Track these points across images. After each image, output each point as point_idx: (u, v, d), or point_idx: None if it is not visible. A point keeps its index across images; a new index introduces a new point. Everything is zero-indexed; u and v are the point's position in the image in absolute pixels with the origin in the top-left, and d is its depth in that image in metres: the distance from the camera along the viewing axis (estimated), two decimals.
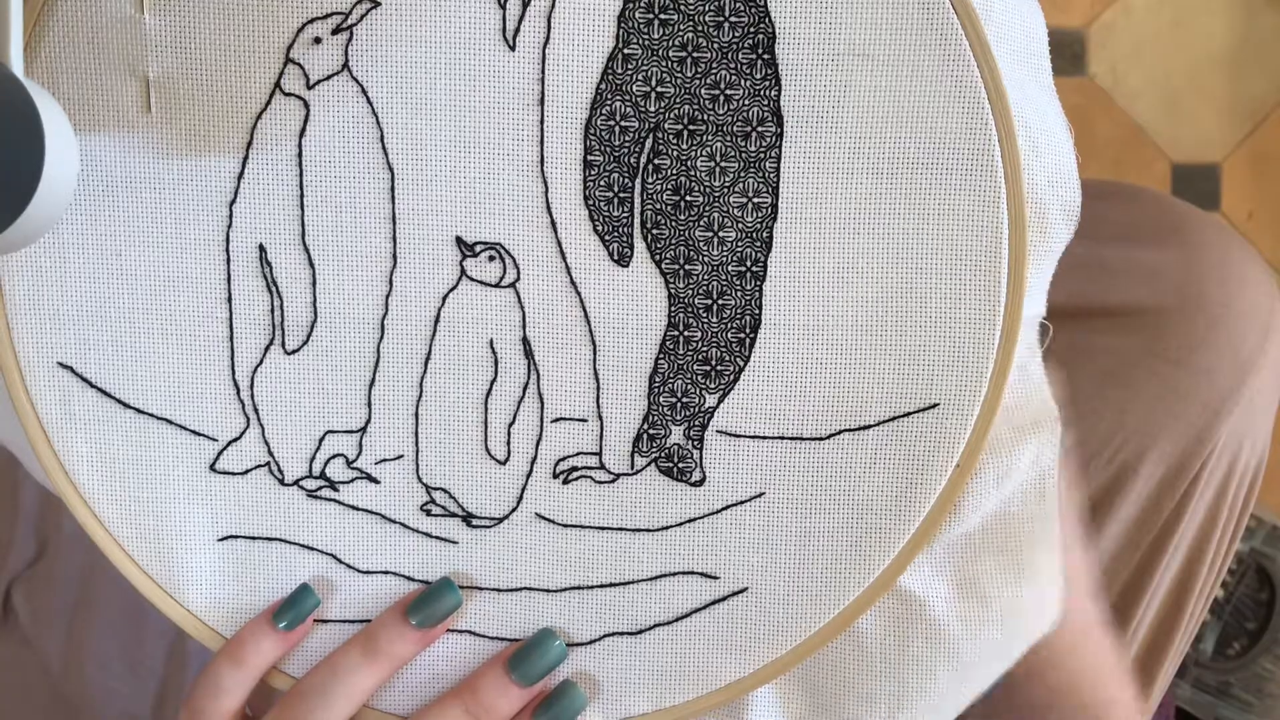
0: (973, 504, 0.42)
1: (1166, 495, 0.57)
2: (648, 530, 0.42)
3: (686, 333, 0.41)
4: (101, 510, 0.42)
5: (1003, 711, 0.48)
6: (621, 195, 0.40)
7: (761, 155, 0.40)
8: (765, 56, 0.39)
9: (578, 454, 0.42)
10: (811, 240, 0.40)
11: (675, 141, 0.40)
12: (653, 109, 0.40)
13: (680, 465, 0.42)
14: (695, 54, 0.39)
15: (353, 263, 0.41)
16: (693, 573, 0.42)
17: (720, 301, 0.41)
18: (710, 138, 0.40)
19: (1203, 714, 1.05)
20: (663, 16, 0.39)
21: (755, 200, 0.40)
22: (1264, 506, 1.06)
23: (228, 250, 0.41)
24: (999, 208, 0.40)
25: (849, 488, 0.42)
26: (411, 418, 0.42)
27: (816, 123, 0.40)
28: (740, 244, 0.40)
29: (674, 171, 0.40)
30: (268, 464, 0.42)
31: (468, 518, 0.42)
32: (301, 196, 0.40)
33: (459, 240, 0.41)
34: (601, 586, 0.42)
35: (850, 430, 0.41)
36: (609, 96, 0.40)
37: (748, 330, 0.41)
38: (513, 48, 0.39)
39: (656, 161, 0.40)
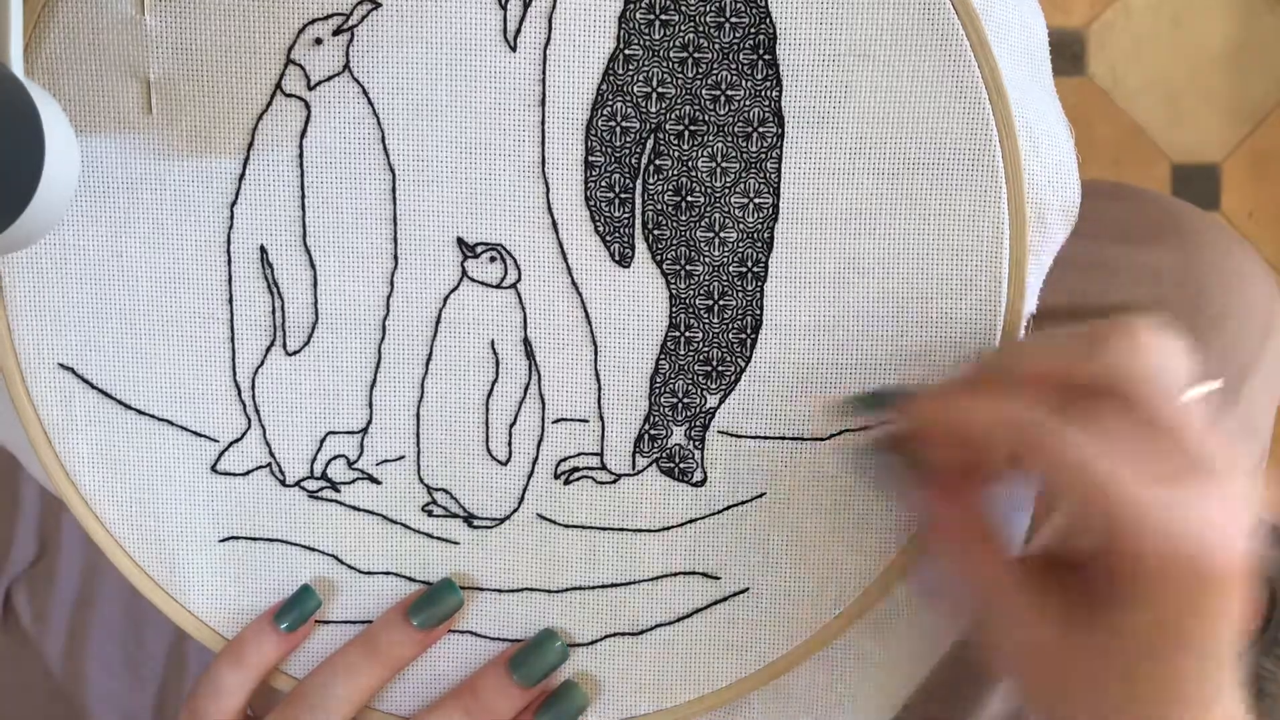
0: None
1: None
2: (649, 531, 0.42)
3: (688, 333, 0.41)
4: (102, 511, 0.42)
5: None
6: (622, 196, 0.40)
7: (762, 156, 0.40)
8: (766, 57, 0.39)
9: (579, 454, 0.42)
10: (812, 240, 0.40)
11: (676, 142, 0.40)
12: (654, 109, 0.40)
13: (681, 466, 0.42)
14: (696, 55, 0.39)
15: (354, 264, 0.41)
16: (694, 573, 0.42)
17: (721, 302, 0.41)
18: (711, 138, 0.40)
19: None
20: (664, 17, 0.39)
21: (756, 201, 0.40)
22: (1264, 506, 1.06)
23: (229, 251, 0.41)
24: (1000, 208, 0.40)
25: (850, 488, 0.42)
26: (413, 418, 0.42)
27: (818, 123, 0.40)
28: (741, 244, 0.40)
29: (675, 172, 0.40)
30: (269, 465, 0.42)
31: (469, 518, 0.42)
32: (303, 197, 0.40)
33: (460, 241, 0.41)
34: (603, 587, 0.43)
35: (852, 430, 0.41)
36: (610, 97, 0.40)
37: (749, 331, 0.41)
38: (514, 48, 0.39)
39: (658, 162, 0.40)
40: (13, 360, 0.41)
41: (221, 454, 0.42)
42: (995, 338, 0.41)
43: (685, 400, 0.42)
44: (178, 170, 0.40)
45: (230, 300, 0.41)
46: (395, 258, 0.41)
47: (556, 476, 0.42)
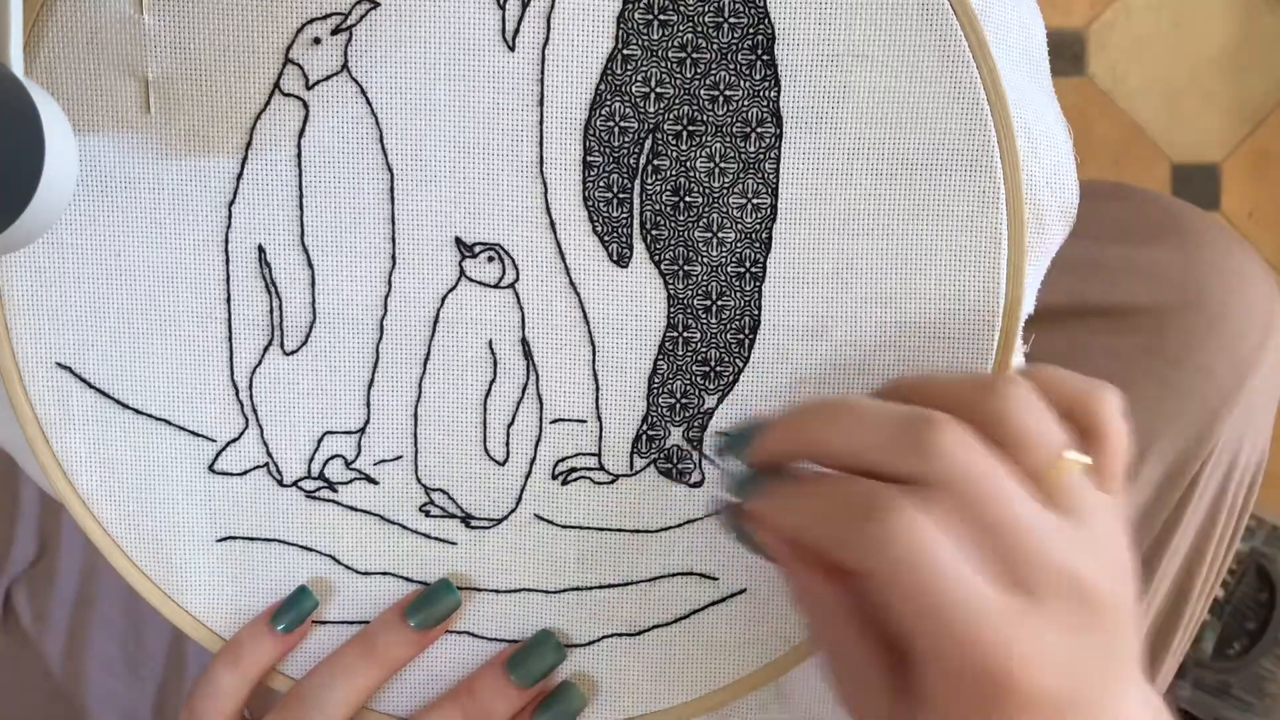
0: None
1: (1166, 495, 0.57)
2: (647, 531, 0.42)
3: (686, 334, 0.41)
4: (100, 511, 0.42)
5: None
6: (621, 196, 0.40)
7: (761, 156, 0.40)
8: (765, 57, 0.39)
9: (577, 455, 0.42)
10: (811, 241, 0.40)
11: (674, 142, 0.40)
12: (652, 110, 0.40)
13: (679, 466, 0.42)
14: (695, 55, 0.39)
15: (352, 263, 0.41)
16: (692, 574, 0.42)
17: (719, 302, 0.41)
18: (710, 138, 0.40)
19: (1203, 714, 1.05)
20: (662, 17, 0.39)
21: (754, 201, 0.40)
22: (1264, 506, 1.06)
23: (227, 251, 0.41)
24: (998, 208, 0.40)
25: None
26: (410, 418, 0.42)
27: (816, 123, 0.40)
28: (739, 245, 0.40)
29: (673, 172, 0.40)
30: (266, 465, 0.42)
31: (466, 519, 0.42)
32: (300, 197, 0.40)
33: (458, 241, 0.41)
34: (600, 587, 0.42)
35: None
36: (608, 97, 0.40)
37: (747, 331, 0.41)
38: (512, 48, 0.39)
39: (656, 162, 0.40)
40: (10, 359, 0.41)
41: (219, 454, 0.42)
42: (993, 338, 0.41)
43: (683, 401, 0.42)
44: (176, 169, 0.40)
45: (228, 300, 0.41)
46: (393, 257, 0.41)
47: (554, 477, 0.42)
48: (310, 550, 0.43)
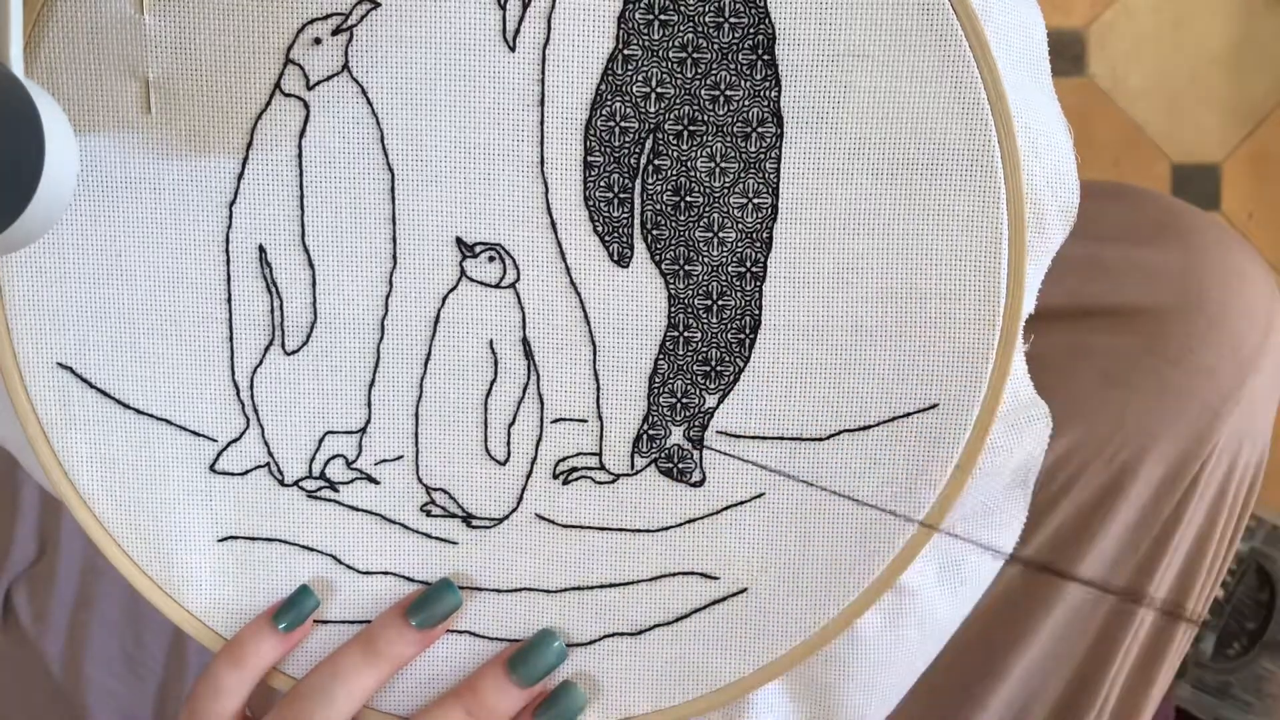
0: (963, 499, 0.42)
1: (1166, 495, 0.57)
2: (648, 531, 0.42)
3: (686, 333, 0.41)
4: (101, 511, 0.42)
5: None
6: (621, 196, 0.40)
7: (761, 156, 0.40)
8: (765, 57, 0.39)
9: (578, 454, 0.42)
10: (811, 241, 0.40)
11: (675, 142, 0.40)
12: (653, 110, 0.40)
13: (680, 466, 0.42)
14: (695, 55, 0.39)
15: (352, 263, 0.41)
16: (693, 573, 0.42)
17: (720, 302, 0.41)
18: (710, 138, 0.40)
19: (1203, 714, 1.05)
20: (663, 17, 0.39)
21: (755, 201, 0.40)
22: (1264, 506, 1.06)
23: (227, 251, 0.41)
24: (999, 208, 0.40)
25: (849, 488, 0.42)
26: (411, 418, 0.42)
27: (816, 123, 0.40)
28: (740, 244, 0.40)
29: (674, 172, 0.40)
30: (267, 464, 0.42)
31: (467, 518, 0.42)
32: (301, 197, 0.40)
33: (459, 241, 0.41)
34: (601, 587, 0.43)
35: (850, 430, 0.41)
36: (609, 97, 0.40)
37: (747, 331, 0.41)
38: (513, 48, 0.39)
39: (656, 162, 0.40)
40: (11, 359, 0.41)
41: (220, 453, 0.42)
42: (993, 338, 0.41)
43: (684, 400, 0.42)
44: (176, 169, 0.40)
45: (229, 300, 0.41)
46: (394, 257, 0.41)
47: (555, 476, 0.42)
48: (311, 550, 0.43)
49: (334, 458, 0.42)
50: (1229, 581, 1.05)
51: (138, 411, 0.42)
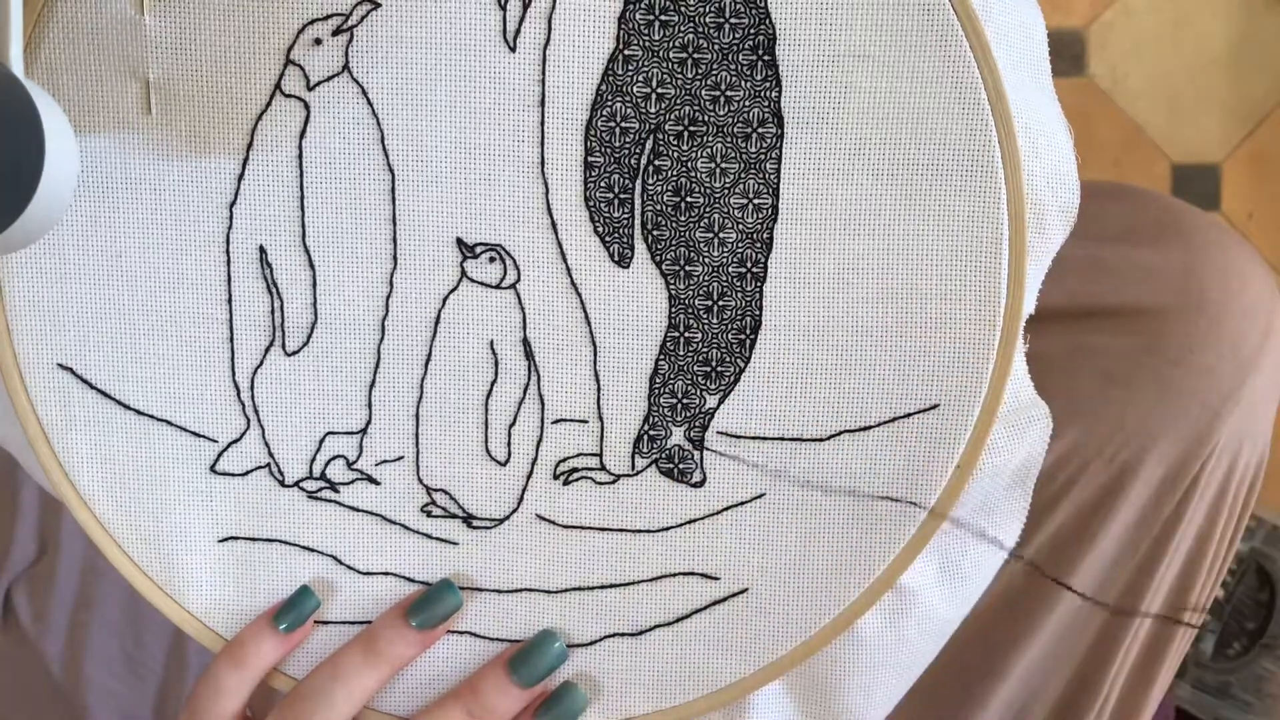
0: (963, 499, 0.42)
1: (1166, 495, 0.57)
2: (648, 531, 0.42)
3: (687, 334, 0.41)
4: (101, 511, 0.42)
5: None
6: (622, 196, 0.40)
7: (762, 156, 0.40)
8: (766, 58, 0.39)
9: (578, 455, 0.42)
10: (812, 241, 0.40)
11: (676, 143, 0.40)
12: (653, 110, 0.40)
13: (681, 466, 0.42)
14: (696, 55, 0.39)
15: (353, 264, 0.41)
16: (693, 573, 0.42)
17: (721, 303, 0.41)
18: (711, 139, 0.40)
19: (1203, 714, 1.05)
20: (663, 18, 0.39)
21: (755, 201, 0.40)
22: (1264, 506, 1.06)
23: (228, 251, 0.41)
24: (999, 209, 0.40)
25: (849, 488, 0.42)
26: (412, 419, 0.42)
27: (817, 124, 0.40)
28: (740, 245, 0.40)
29: (674, 173, 0.40)
30: (268, 465, 0.42)
31: (468, 519, 0.42)
32: (302, 198, 0.40)
33: (459, 241, 0.41)
34: (602, 587, 0.43)
35: (851, 431, 0.41)
36: (609, 98, 0.40)
37: (748, 331, 0.41)
38: (513, 49, 0.39)
39: (657, 163, 0.40)
40: (11, 360, 0.41)
41: (220, 454, 0.42)
42: (994, 338, 0.41)
43: (684, 401, 0.42)
44: (177, 170, 0.40)
45: (229, 300, 0.41)
46: (394, 258, 0.41)
47: (556, 477, 0.42)
48: (312, 550, 0.43)
49: (334, 458, 0.42)
50: (1229, 581, 1.05)
51: (138, 412, 0.42)
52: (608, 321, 0.41)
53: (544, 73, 0.39)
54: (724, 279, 0.41)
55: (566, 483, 0.42)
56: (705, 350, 0.41)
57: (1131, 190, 0.64)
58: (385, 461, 0.42)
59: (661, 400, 0.42)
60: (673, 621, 0.43)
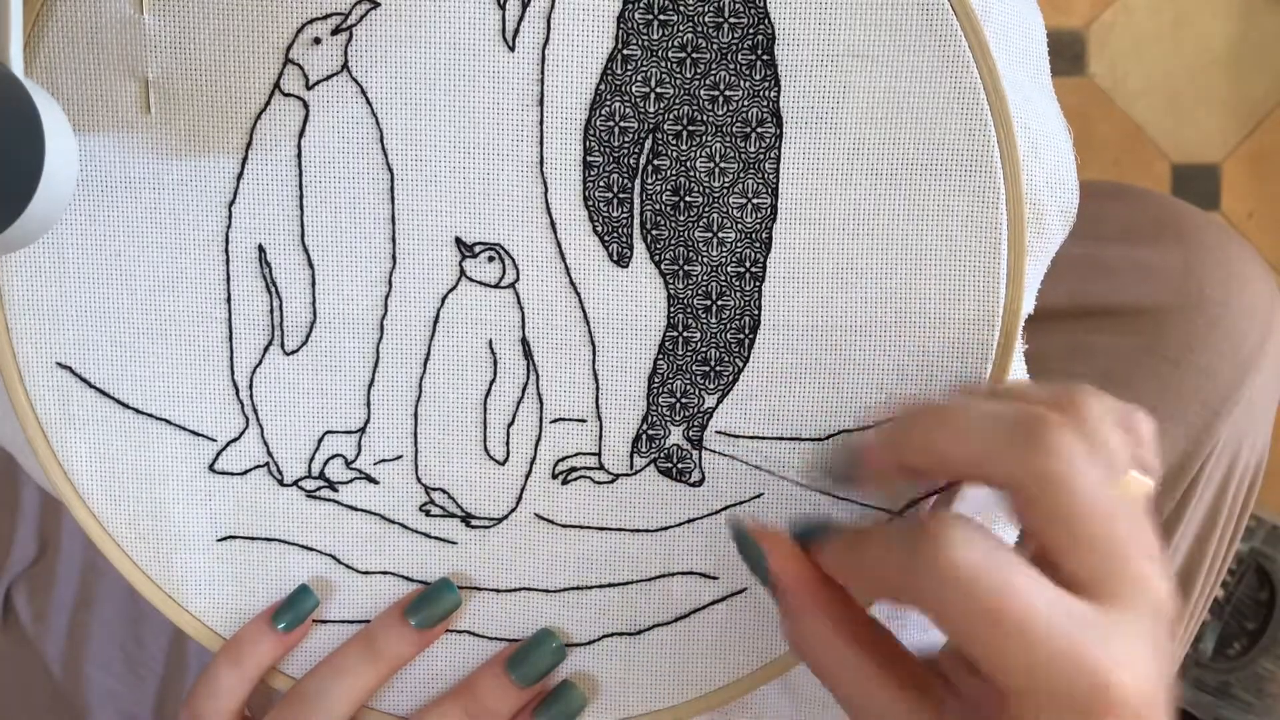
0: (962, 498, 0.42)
1: (1166, 495, 0.57)
2: (647, 531, 0.42)
3: (686, 333, 0.41)
4: (100, 511, 0.42)
5: None
6: (621, 196, 0.40)
7: (761, 156, 0.40)
8: (765, 57, 0.39)
9: (577, 454, 0.42)
10: (811, 241, 0.40)
11: (675, 142, 0.40)
12: (652, 110, 0.40)
13: (679, 466, 0.42)
14: (695, 55, 0.39)
15: (352, 263, 0.41)
16: (692, 573, 0.42)
17: (719, 302, 0.41)
18: (710, 138, 0.40)
19: (1203, 714, 1.05)
20: (662, 17, 0.39)
21: (754, 201, 0.40)
22: (1264, 506, 1.06)
23: (227, 251, 0.41)
24: (998, 208, 0.40)
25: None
26: (410, 418, 0.42)
27: (816, 124, 0.40)
28: (739, 245, 0.40)
29: (673, 172, 0.40)
30: (267, 464, 0.42)
31: (467, 518, 0.42)
32: (301, 197, 0.40)
33: (458, 241, 0.41)
34: (600, 587, 0.43)
35: (849, 431, 0.41)
36: (608, 97, 0.40)
37: (747, 331, 0.41)
38: (512, 48, 0.39)
39: (656, 162, 0.40)
40: (10, 359, 0.41)
41: (219, 453, 0.42)
42: (993, 338, 0.41)
43: (683, 400, 0.42)
44: (176, 169, 0.40)
45: (228, 300, 0.41)
46: (393, 257, 0.41)
47: (554, 476, 0.42)
48: (311, 550, 0.43)
49: (333, 457, 0.42)
50: (1229, 581, 1.05)
51: (137, 411, 0.42)
52: (606, 321, 0.41)
53: (543, 72, 0.40)
54: (723, 278, 0.41)
55: (565, 482, 0.42)
56: (704, 350, 0.41)
57: (1131, 190, 0.65)
58: (384, 461, 0.42)
59: (660, 400, 0.42)
60: (671, 621, 0.43)
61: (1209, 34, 1.23)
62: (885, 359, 0.41)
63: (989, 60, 0.39)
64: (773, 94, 0.40)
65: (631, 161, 0.40)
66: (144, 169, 0.40)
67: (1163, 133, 1.24)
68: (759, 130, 0.40)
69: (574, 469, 0.42)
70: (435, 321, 0.41)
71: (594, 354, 0.41)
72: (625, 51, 0.39)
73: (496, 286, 0.41)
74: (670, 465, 0.42)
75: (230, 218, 0.41)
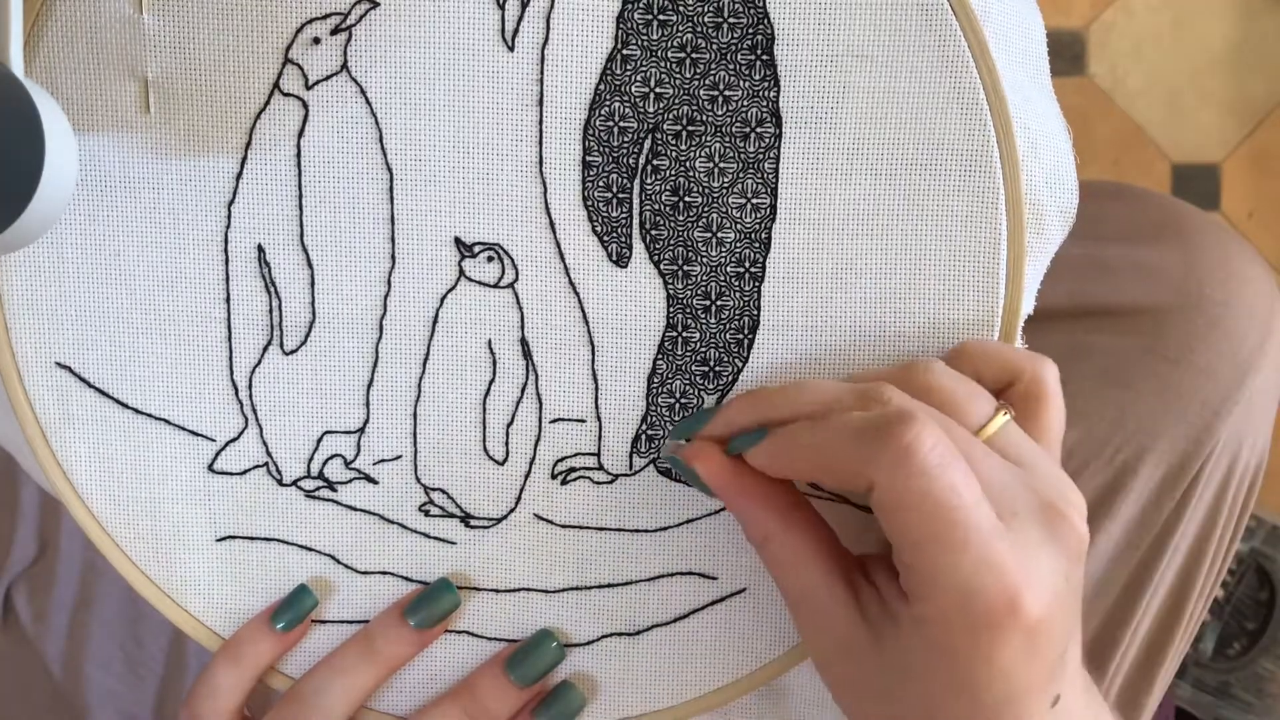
0: None
1: (1166, 495, 0.57)
2: (646, 531, 0.42)
3: (685, 334, 0.41)
4: (99, 511, 0.42)
5: None
6: (620, 196, 0.40)
7: (760, 156, 0.40)
8: (764, 57, 0.39)
9: (576, 454, 0.42)
10: (810, 241, 0.40)
11: (674, 142, 0.40)
12: (651, 110, 0.40)
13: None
14: (694, 55, 0.39)
15: (351, 263, 0.41)
16: (691, 573, 0.42)
17: (719, 302, 0.41)
18: (709, 139, 0.40)
19: (1203, 714, 1.05)
20: (662, 17, 0.39)
21: (754, 201, 0.40)
22: (1264, 506, 1.06)
23: (226, 250, 0.41)
24: (998, 208, 0.40)
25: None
26: (410, 418, 0.42)
27: (815, 124, 0.40)
28: (739, 245, 0.40)
29: (673, 172, 0.40)
30: (266, 464, 0.42)
31: (466, 518, 0.42)
32: (300, 197, 0.40)
33: (457, 241, 0.41)
34: (600, 587, 0.42)
35: None
36: (608, 97, 0.40)
37: (746, 331, 0.41)
38: (511, 48, 0.39)
39: (655, 162, 0.40)
40: (10, 359, 0.41)
41: (218, 453, 0.42)
42: (993, 338, 0.41)
43: (683, 400, 0.42)
44: (175, 169, 0.40)
45: (228, 299, 0.41)
46: (393, 257, 0.41)
47: (554, 476, 0.42)
48: (310, 550, 0.43)
49: (332, 457, 0.42)
50: (1229, 581, 1.05)
51: (136, 411, 0.42)
52: (606, 321, 0.41)
53: (542, 72, 0.39)
54: (722, 279, 0.41)
55: (564, 482, 0.42)
56: (703, 350, 0.41)
57: (1131, 190, 0.65)
58: (383, 461, 0.42)
59: (660, 400, 0.42)
60: (671, 621, 0.43)
61: (1209, 34, 1.23)
62: (884, 359, 0.41)
63: (988, 60, 0.39)
64: (772, 94, 0.40)
65: (631, 161, 0.40)
66: (144, 169, 0.40)
67: (1163, 133, 1.24)
68: (758, 130, 0.40)
69: (573, 469, 0.42)
70: (434, 321, 0.41)
71: (593, 354, 0.41)
72: (625, 51, 0.39)
73: (496, 286, 0.41)
74: (669, 465, 0.42)
75: (229, 217, 0.41)
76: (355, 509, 0.42)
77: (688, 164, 0.40)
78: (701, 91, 0.40)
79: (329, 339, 0.41)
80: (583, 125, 0.40)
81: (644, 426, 0.42)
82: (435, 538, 0.42)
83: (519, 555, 0.42)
